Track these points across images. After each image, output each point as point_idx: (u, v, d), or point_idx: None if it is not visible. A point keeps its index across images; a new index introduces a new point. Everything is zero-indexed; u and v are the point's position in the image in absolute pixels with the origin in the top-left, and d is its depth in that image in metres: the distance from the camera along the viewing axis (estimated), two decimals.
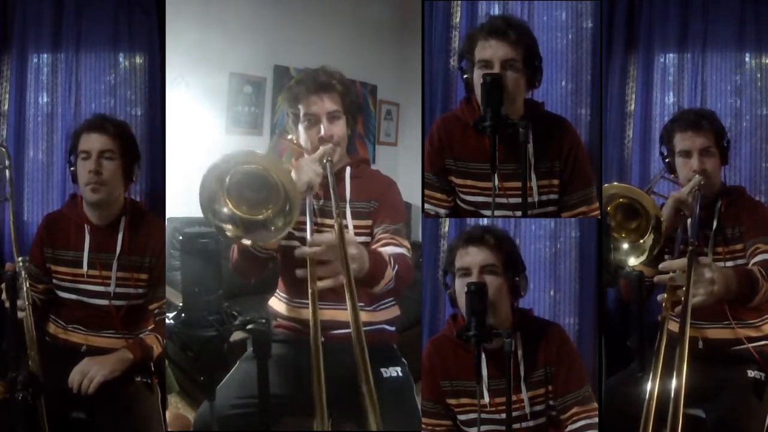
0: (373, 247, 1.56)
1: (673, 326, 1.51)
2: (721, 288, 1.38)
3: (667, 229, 1.60)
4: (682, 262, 1.41)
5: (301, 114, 1.61)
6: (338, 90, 1.61)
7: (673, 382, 1.26)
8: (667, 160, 1.81)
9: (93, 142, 1.69)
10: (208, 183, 1.26)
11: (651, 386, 1.29)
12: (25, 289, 1.52)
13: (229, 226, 1.28)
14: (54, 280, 1.76)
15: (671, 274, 1.42)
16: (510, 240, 1.60)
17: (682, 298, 1.36)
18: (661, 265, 1.41)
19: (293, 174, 1.45)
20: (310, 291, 1.27)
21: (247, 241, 1.33)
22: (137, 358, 1.68)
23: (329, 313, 1.56)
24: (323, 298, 1.52)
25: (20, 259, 1.52)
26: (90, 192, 1.69)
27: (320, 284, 1.37)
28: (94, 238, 1.74)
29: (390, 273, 1.49)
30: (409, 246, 1.61)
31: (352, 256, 1.35)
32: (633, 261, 1.58)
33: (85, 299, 1.74)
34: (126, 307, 1.75)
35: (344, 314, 1.53)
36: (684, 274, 1.39)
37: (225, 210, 1.28)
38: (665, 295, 1.46)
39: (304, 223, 1.54)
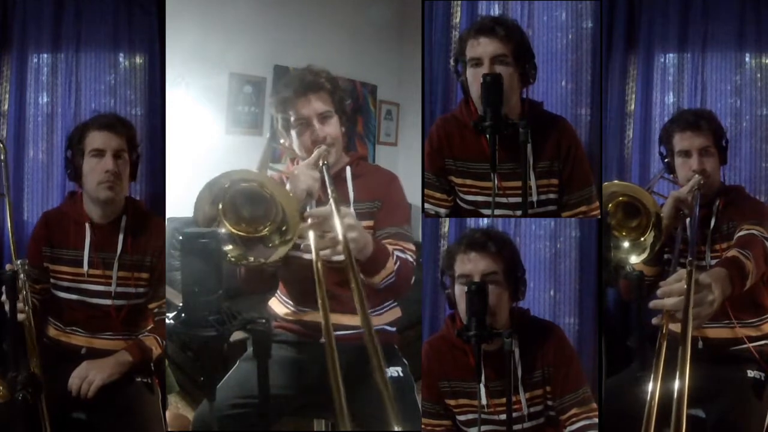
0: None
1: (674, 326, 1.51)
2: (719, 297, 1.37)
3: (666, 227, 1.60)
4: (681, 287, 1.37)
5: (292, 119, 1.58)
6: (326, 88, 1.58)
7: (676, 385, 1.25)
8: (666, 160, 1.81)
9: (107, 140, 1.68)
10: (202, 207, 1.24)
11: (652, 388, 1.28)
12: (24, 293, 1.50)
13: (229, 247, 1.27)
14: (52, 280, 1.75)
15: (670, 300, 1.36)
16: (511, 244, 1.59)
17: (681, 318, 1.33)
18: (659, 291, 1.38)
19: (289, 185, 1.44)
20: (319, 296, 1.25)
21: (251, 259, 1.31)
22: (136, 360, 1.68)
23: (332, 317, 1.55)
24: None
25: (19, 261, 1.51)
26: (105, 189, 1.67)
27: (321, 254, 1.35)
28: (94, 237, 1.73)
29: (391, 266, 1.48)
30: (413, 249, 1.59)
31: (350, 225, 1.34)
32: (634, 259, 1.58)
33: (86, 299, 1.73)
34: (127, 307, 1.74)
35: (346, 318, 1.53)
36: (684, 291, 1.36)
37: (223, 231, 1.26)
38: (661, 319, 1.41)
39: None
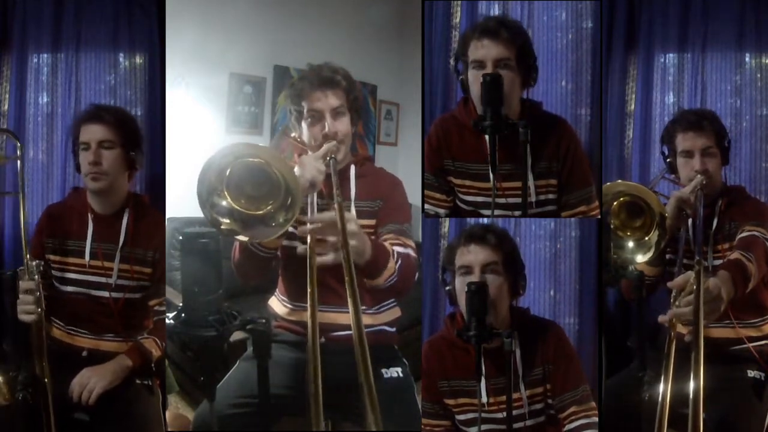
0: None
1: (680, 328, 1.51)
2: (725, 299, 1.38)
3: (669, 228, 1.60)
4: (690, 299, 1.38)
5: (305, 110, 1.58)
6: (342, 86, 1.59)
7: (691, 386, 1.26)
8: (668, 160, 1.81)
9: (91, 132, 1.68)
10: (207, 175, 1.24)
11: (663, 389, 1.29)
12: (37, 287, 1.50)
13: (226, 220, 1.26)
14: (54, 272, 1.74)
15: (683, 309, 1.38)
16: (510, 239, 1.60)
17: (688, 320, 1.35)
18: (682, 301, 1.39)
19: (295, 171, 1.44)
20: (309, 291, 1.26)
21: (244, 238, 1.31)
22: (136, 364, 1.68)
23: (330, 316, 1.56)
24: (324, 302, 1.52)
25: (35, 263, 1.51)
26: (91, 181, 1.69)
27: (320, 259, 1.36)
28: (97, 227, 1.73)
29: (393, 265, 1.47)
30: (414, 246, 1.59)
31: (352, 232, 1.34)
32: (640, 258, 1.58)
33: (86, 290, 1.73)
34: (123, 299, 1.74)
35: (345, 317, 1.53)
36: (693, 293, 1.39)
37: (224, 203, 1.26)
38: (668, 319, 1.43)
39: (306, 223, 1.53)
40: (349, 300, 1.21)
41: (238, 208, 1.27)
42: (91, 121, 1.70)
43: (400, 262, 1.50)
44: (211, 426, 1.43)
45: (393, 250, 1.50)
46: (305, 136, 1.61)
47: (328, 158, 1.49)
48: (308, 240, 1.38)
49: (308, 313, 1.26)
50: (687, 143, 1.74)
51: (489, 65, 1.49)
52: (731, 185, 1.93)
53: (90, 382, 1.58)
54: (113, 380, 1.62)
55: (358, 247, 1.37)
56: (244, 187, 1.28)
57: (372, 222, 1.61)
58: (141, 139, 1.78)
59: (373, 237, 1.57)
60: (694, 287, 1.39)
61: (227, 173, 1.25)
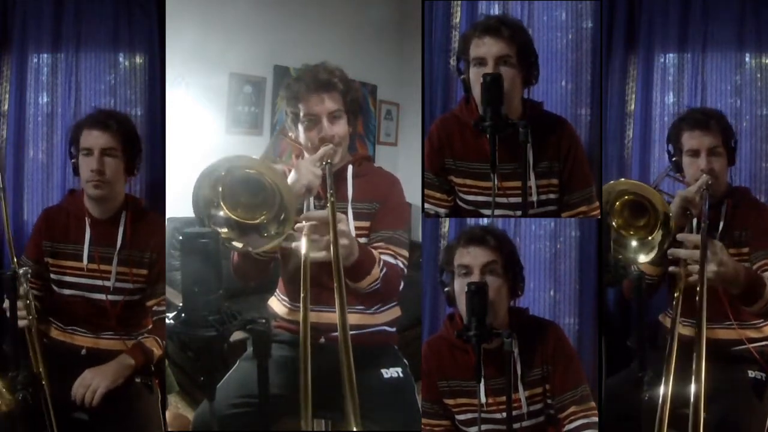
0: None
1: (680, 328, 1.52)
2: (729, 271, 1.37)
3: (674, 228, 1.59)
4: (695, 237, 1.42)
5: (301, 114, 1.58)
6: (339, 88, 1.58)
7: (692, 387, 1.27)
8: (674, 159, 1.79)
9: (95, 139, 1.68)
10: (202, 189, 1.25)
11: (664, 390, 1.29)
12: (28, 302, 1.51)
13: (224, 229, 1.28)
14: (52, 275, 1.75)
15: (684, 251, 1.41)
16: (509, 241, 1.60)
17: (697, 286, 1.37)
18: (670, 251, 1.42)
19: (291, 176, 1.45)
20: (302, 295, 1.27)
21: (238, 244, 1.32)
22: (138, 363, 1.68)
23: (330, 317, 1.56)
24: (323, 302, 1.53)
25: (22, 270, 1.51)
26: (92, 188, 1.69)
27: (313, 255, 1.36)
28: (94, 231, 1.73)
29: (377, 272, 1.48)
30: (405, 255, 1.59)
31: (342, 232, 1.35)
32: (643, 258, 1.57)
33: (84, 294, 1.73)
34: (122, 302, 1.74)
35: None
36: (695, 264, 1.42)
37: (221, 214, 1.27)
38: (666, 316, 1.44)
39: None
40: (336, 300, 1.22)
41: (234, 217, 1.28)
42: (95, 126, 1.69)
43: (385, 270, 1.51)
44: (211, 426, 1.43)
45: (380, 258, 1.51)
46: (302, 139, 1.61)
47: (323, 162, 1.49)
48: (303, 240, 1.38)
49: (300, 314, 1.27)
50: (693, 142, 1.72)
51: (490, 62, 1.49)
52: (736, 186, 1.92)
53: (93, 383, 1.58)
54: (116, 379, 1.62)
55: (346, 246, 1.37)
56: (239, 197, 1.29)
57: (367, 224, 1.61)
58: (141, 145, 1.80)
59: (363, 241, 1.57)
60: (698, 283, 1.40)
61: (221, 186, 1.27)
